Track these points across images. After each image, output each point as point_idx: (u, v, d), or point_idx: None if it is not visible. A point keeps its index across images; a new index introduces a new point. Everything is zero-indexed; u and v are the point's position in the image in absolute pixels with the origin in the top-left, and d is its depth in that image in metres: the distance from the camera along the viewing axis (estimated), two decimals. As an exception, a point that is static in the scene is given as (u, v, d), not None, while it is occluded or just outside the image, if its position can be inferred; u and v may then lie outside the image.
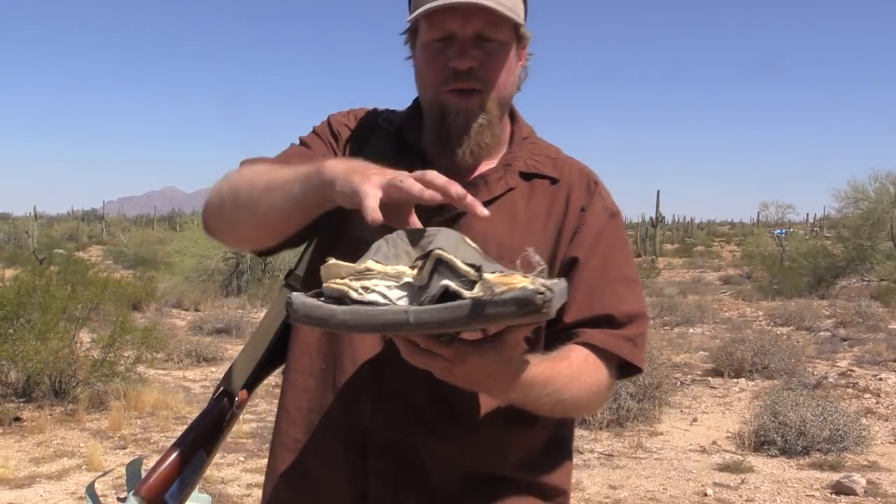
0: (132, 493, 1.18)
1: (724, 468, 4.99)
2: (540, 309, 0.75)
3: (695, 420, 6.29)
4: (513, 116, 1.20)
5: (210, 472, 4.66)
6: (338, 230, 1.12)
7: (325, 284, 0.81)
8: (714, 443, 5.64)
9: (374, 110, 1.25)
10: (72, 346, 6.26)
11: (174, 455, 1.17)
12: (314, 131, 1.24)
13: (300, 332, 1.18)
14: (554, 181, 1.16)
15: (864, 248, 17.08)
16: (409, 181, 0.86)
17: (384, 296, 0.78)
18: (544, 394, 0.98)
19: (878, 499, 4.46)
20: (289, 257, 15.59)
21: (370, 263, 0.79)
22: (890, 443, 5.68)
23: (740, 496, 4.49)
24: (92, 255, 28.77)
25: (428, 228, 0.90)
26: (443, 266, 0.78)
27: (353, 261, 0.83)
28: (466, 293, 0.75)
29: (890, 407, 6.65)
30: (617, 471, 4.95)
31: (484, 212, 0.89)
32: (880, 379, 7.55)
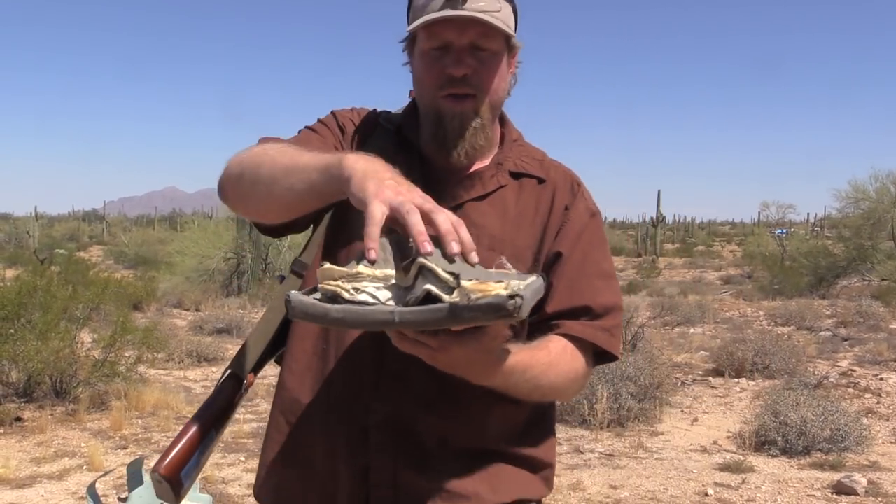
0: (150, 471, 1.21)
1: (725, 468, 4.98)
2: (511, 314, 0.83)
3: (696, 420, 6.29)
4: (503, 120, 1.29)
5: (211, 472, 4.67)
6: (339, 222, 1.22)
7: (320, 285, 0.88)
8: (715, 443, 5.64)
9: (375, 110, 1.33)
10: (73, 347, 6.26)
11: (190, 434, 1.21)
12: (321, 122, 1.31)
13: None
14: (541, 181, 1.26)
15: (864, 248, 17.08)
16: (415, 218, 0.89)
17: (373, 296, 0.86)
18: (523, 380, 1.08)
19: (879, 499, 4.46)
20: (289, 257, 15.60)
21: (361, 268, 0.87)
22: (891, 442, 5.67)
23: (741, 496, 4.48)
24: (93, 255, 28.79)
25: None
26: (426, 271, 0.85)
27: (348, 253, 0.92)
28: (446, 297, 0.83)
29: (891, 407, 6.65)
30: (618, 471, 4.95)
31: (474, 258, 0.93)
32: (881, 379, 7.55)
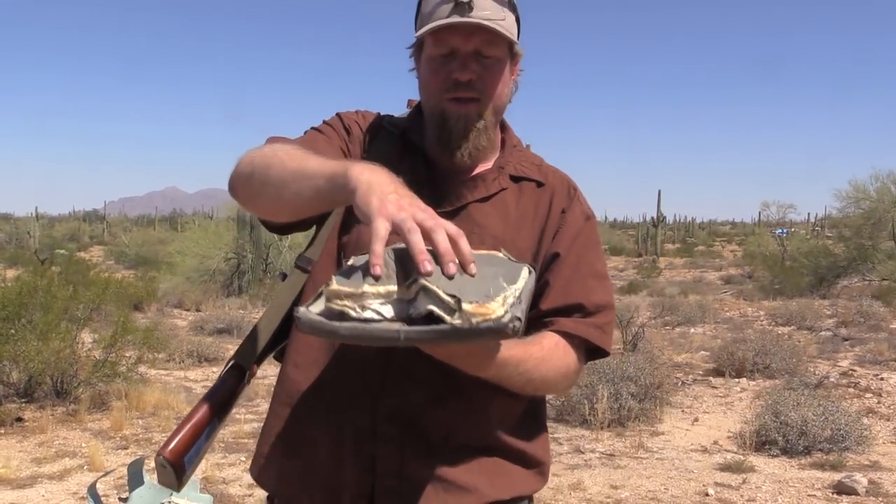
0: (155, 454, 1.22)
1: (726, 468, 4.98)
2: (511, 336, 0.90)
3: (696, 420, 6.29)
4: (503, 127, 1.35)
5: (212, 472, 4.67)
6: (347, 221, 1.26)
7: (327, 304, 0.93)
8: (715, 443, 5.64)
9: (379, 114, 1.39)
10: (73, 347, 6.27)
11: (195, 420, 1.24)
12: (327, 123, 1.35)
13: None
14: (540, 184, 1.32)
15: (865, 248, 17.08)
16: (416, 238, 0.92)
17: (378, 312, 0.92)
18: (516, 373, 1.12)
19: (880, 498, 4.46)
20: (290, 257, 15.61)
21: (366, 287, 0.92)
22: (891, 442, 5.67)
23: (742, 496, 4.48)
24: (93, 255, 28.81)
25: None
26: (428, 291, 0.91)
27: (355, 250, 0.99)
28: (447, 318, 0.89)
29: (891, 406, 6.65)
30: (618, 471, 4.95)
31: (473, 270, 0.96)
32: (882, 378, 7.55)
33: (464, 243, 0.95)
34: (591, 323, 1.25)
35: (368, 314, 0.91)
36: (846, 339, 10.16)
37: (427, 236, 0.93)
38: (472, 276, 0.95)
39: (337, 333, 0.91)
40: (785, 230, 31.65)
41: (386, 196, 0.96)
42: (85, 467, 4.86)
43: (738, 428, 5.80)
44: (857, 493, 4.45)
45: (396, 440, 1.19)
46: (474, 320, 0.88)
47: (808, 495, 4.49)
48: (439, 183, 1.27)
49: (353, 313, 0.91)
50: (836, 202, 18.91)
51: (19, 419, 5.77)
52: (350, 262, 1.02)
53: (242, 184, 1.23)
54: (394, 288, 0.93)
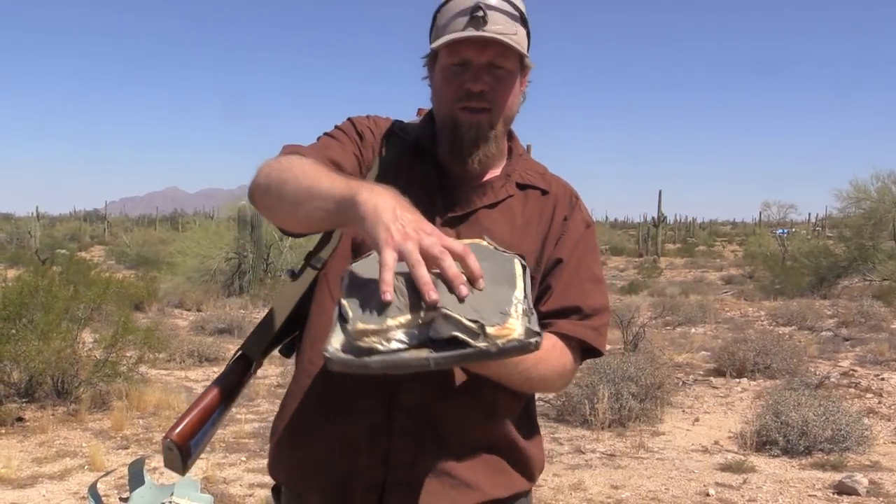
0: (162, 437, 1.25)
1: (726, 468, 4.98)
2: (534, 351, 0.98)
3: (697, 420, 6.29)
4: (510, 136, 1.41)
5: (212, 472, 4.67)
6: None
7: (355, 342, 0.98)
8: (716, 443, 5.64)
9: (389, 119, 1.44)
10: (74, 347, 6.27)
11: (203, 404, 1.29)
12: (340, 129, 1.40)
13: (324, 303, 1.32)
14: (544, 192, 1.39)
15: (866, 248, 17.07)
16: (421, 271, 0.97)
17: (402, 341, 0.98)
18: (516, 371, 1.18)
19: (881, 499, 4.46)
20: (290, 257, 15.62)
21: (389, 322, 0.97)
22: (892, 442, 5.67)
23: (742, 496, 4.48)
24: (94, 255, 28.83)
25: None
26: (449, 317, 0.97)
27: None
28: (473, 342, 0.96)
29: (892, 407, 6.65)
30: (619, 471, 4.95)
31: (481, 285, 1.02)
32: (882, 379, 7.55)
33: (472, 261, 1.00)
34: (588, 325, 1.31)
35: (394, 345, 0.97)
36: (847, 340, 10.15)
37: (435, 264, 0.98)
38: (481, 290, 1.00)
39: (369, 368, 0.97)
40: (786, 230, 31.64)
41: (392, 225, 1.01)
42: (86, 467, 4.86)
43: (739, 428, 5.80)
44: (857, 494, 4.45)
45: (412, 434, 1.23)
46: (500, 342, 0.96)
47: (809, 495, 4.49)
48: (450, 189, 1.33)
49: (380, 347, 0.97)
50: (836, 202, 18.93)
51: (20, 419, 5.78)
52: (351, 268, 1.07)
53: (260, 196, 1.28)
54: (412, 316, 0.98)
